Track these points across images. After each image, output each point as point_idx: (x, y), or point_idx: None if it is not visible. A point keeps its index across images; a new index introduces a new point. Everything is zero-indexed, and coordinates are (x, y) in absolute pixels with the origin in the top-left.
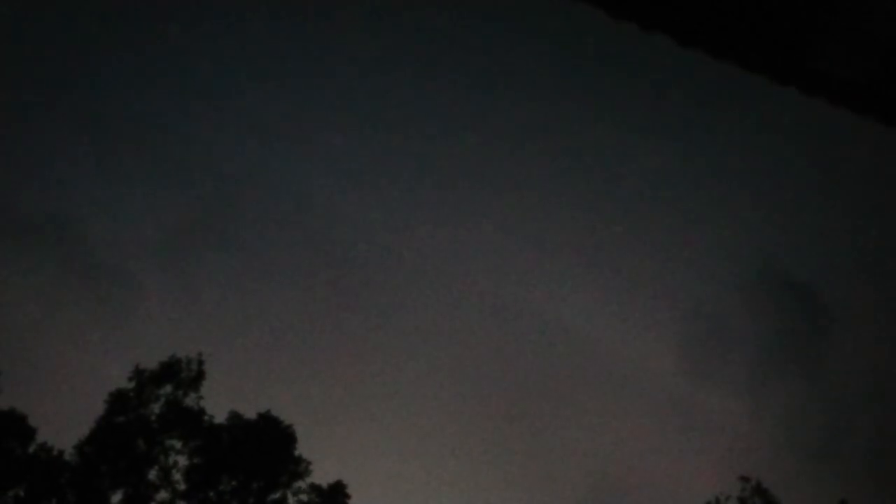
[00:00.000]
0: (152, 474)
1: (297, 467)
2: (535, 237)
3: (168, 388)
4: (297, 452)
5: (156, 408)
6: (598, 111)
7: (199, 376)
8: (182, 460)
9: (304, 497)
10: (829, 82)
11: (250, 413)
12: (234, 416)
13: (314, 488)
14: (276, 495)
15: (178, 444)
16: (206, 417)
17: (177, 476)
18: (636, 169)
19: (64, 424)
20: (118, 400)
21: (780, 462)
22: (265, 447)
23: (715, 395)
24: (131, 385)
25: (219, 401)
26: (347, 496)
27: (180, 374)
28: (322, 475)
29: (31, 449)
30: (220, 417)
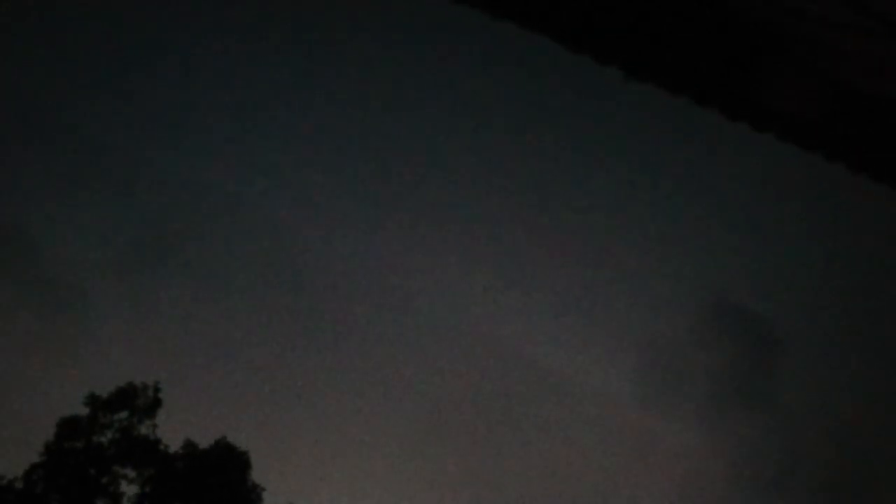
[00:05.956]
0: (101, 502)
1: (251, 494)
2: (491, 266)
3: (123, 415)
4: (251, 479)
5: (109, 434)
6: (552, 142)
7: (156, 404)
8: (133, 489)
9: None
10: (778, 118)
11: (205, 438)
12: (189, 445)
13: None
14: None
15: (131, 473)
16: (161, 447)
17: None
18: (589, 199)
19: (10, 450)
20: (69, 426)
21: (735, 494)
22: (219, 475)
23: (670, 427)
24: (84, 411)
25: (173, 425)
26: None
27: (136, 402)
28: (276, 497)
29: None
30: (175, 444)
